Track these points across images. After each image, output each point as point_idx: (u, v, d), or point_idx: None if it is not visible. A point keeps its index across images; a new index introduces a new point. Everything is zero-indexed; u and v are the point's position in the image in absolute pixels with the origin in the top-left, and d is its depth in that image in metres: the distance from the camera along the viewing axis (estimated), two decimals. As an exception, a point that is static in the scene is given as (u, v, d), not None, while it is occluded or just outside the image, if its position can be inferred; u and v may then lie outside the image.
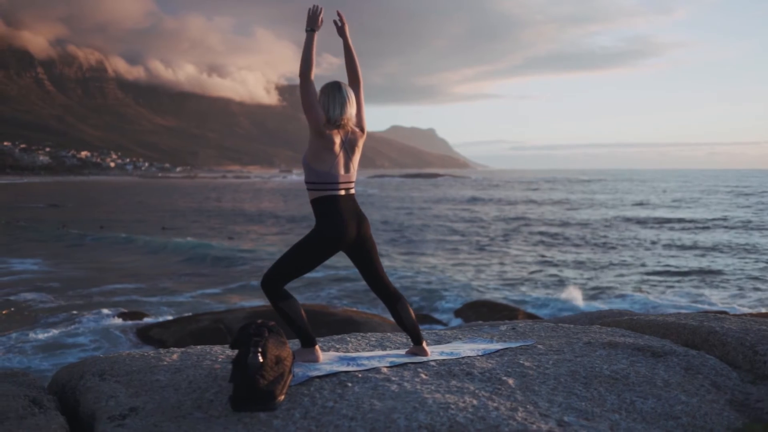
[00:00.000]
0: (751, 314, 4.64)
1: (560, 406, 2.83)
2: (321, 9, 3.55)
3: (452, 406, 2.74)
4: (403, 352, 3.79)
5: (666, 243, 33.00)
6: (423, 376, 3.22)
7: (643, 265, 26.34)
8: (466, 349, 3.87)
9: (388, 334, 4.46)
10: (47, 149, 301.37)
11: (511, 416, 2.66)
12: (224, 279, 23.73)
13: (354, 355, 3.67)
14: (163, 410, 2.87)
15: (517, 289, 21.75)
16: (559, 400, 2.91)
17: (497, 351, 3.82)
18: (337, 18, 3.68)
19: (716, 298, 19.88)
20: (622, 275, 24.22)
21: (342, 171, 3.46)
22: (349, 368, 3.33)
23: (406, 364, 3.46)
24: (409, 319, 3.62)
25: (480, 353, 3.74)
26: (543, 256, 29.30)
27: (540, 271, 25.28)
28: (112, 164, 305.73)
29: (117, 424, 2.75)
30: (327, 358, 3.55)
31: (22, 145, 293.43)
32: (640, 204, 63.57)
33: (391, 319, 16.28)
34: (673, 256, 28.43)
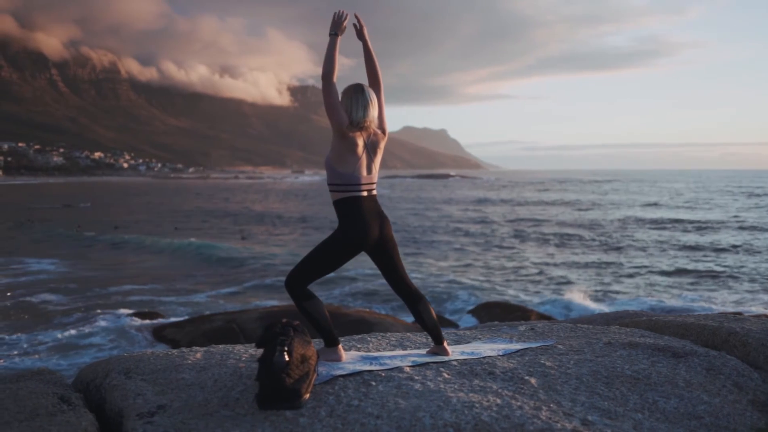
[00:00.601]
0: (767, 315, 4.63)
1: (583, 406, 2.85)
2: (346, 14, 3.59)
3: (476, 405, 2.77)
4: (424, 351, 3.82)
5: (677, 244, 32.86)
6: (445, 375, 3.25)
7: (654, 266, 26.24)
8: (487, 349, 3.89)
9: (408, 334, 4.49)
10: (61, 150, 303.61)
11: (535, 415, 2.68)
12: (237, 279, 23.84)
13: (376, 354, 3.70)
14: (190, 408, 2.91)
15: (529, 290, 21.74)
16: (582, 399, 2.93)
17: (518, 351, 3.84)
18: (355, 21, 3.72)
19: (729, 300, 19.78)
20: (634, 277, 24.15)
21: (365, 172, 3.50)
22: (372, 367, 3.36)
23: (428, 363, 3.49)
24: (431, 319, 3.64)
25: (501, 353, 3.76)
26: (554, 257, 29.25)
27: (551, 272, 25.24)
28: (125, 165, 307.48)
29: (146, 422, 2.80)
30: (350, 358, 3.59)
31: (36, 146, 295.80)
32: (652, 205, 63.32)
33: (404, 320, 16.30)
34: (685, 258, 28.32)
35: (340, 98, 3.51)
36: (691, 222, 44.31)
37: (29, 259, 27.72)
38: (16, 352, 14.10)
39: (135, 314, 17.51)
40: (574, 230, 40.45)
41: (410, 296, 3.64)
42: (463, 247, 32.83)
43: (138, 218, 51.63)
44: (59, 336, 15.42)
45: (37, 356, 13.99)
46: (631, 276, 24.22)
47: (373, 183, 3.55)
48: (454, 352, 3.79)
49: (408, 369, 3.35)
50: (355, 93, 3.51)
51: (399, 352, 3.82)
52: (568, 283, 22.99)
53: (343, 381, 3.17)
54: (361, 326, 13.48)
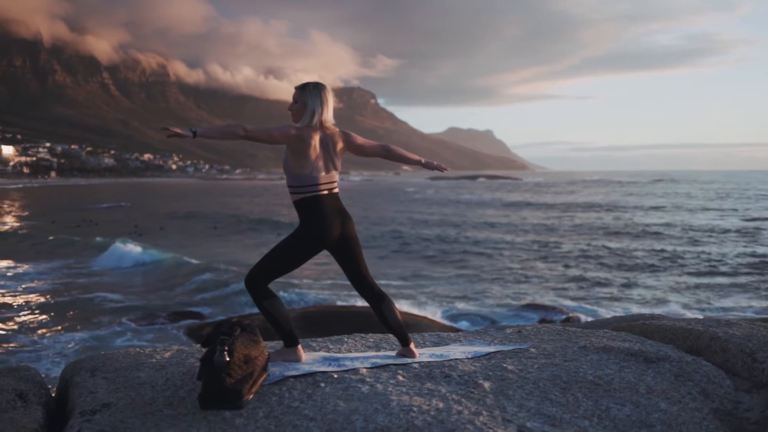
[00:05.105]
0: (763, 320, 4.43)
1: (529, 411, 2.75)
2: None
3: (415, 409, 2.69)
4: (394, 353, 3.75)
5: (724, 250, 32.03)
6: (400, 377, 3.18)
7: (699, 271, 25.63)
8: (458, 351, 3.80)
9: (389, 335, 4.42)
10: (112, 152, 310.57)
11: (470, 420, 2.59)
12: (283, 282, 23.80)
13: (339, 355, 3.64)
14: (134, 406, 2.90)
15: (567, 294, 21.42)
16: (530, 405, 2.83)
17: (488, 354, 3.74)
18: (440, 167, 3.82)
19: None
20: (672, 281, 23.61)
21: (323, 172, 3.46)
22: (329, 368, 3.30)
23: (388, 365, 3.42)
24: (394, 319, 3.57)
25: (470, 356, 3.67)
26: (595, 259, 28.77)
27: (593, 276, 24.84)
28: (174, 166, 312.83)
29: (86, 419, 2.79)
30: (310, 358, 3.54)
31: (89, 148, 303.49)
32: (702, 208, 61.79)
33: (442, 321, 16.22)
34: (731, 264, 27.55)
35: (294, 98, 3.52)
36: (738, 229, 43.16)
37: (90, 259, 28.38)
38: (50, 351, 14.43)
39: (174, 314, 17.74)
40: (619, 233, 39.79)
41: (373, 296, 3.58)
42: (498, 251, 32.53)
43: (178, 220, 52.58)
44: (100, 334, 15.75)
45: (76, 353, 14.28)
46: (671, 280, 23.69)
47: (333, 182, 3.51)
48: (423, 354, 3.71)
49: (364, 371, 3.28)
50: (318, 90, 3.49)
51: (368, 353, 3.75)
52: (607, 286, 22.63)
53: (292, 382, 3.12)
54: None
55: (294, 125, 3.45)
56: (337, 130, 3.55)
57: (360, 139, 3.68)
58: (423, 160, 3.81)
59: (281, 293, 19.95)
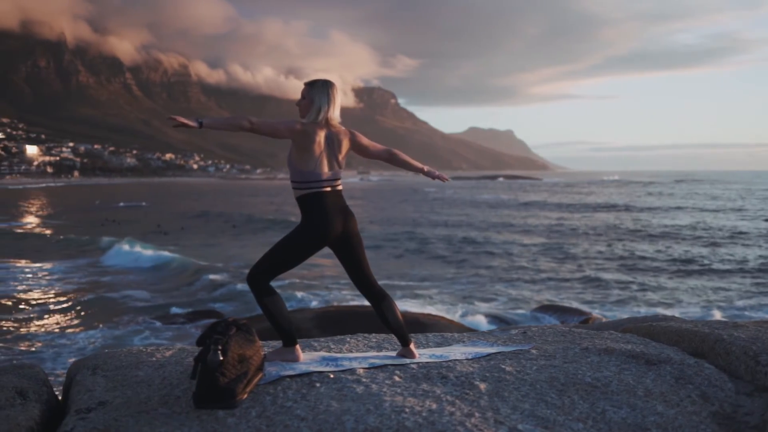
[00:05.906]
0: (771, 322, 4.35)
1: (522, 413, 2.72)
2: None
3: (407, 410, 2.68)
4: (394, 353, 3.73)
5: (746, 251, 31.63)
6: (396, 378, 3.16)
7: (719, 271, 25.33)
8: (458, 352, 3.78)
9: (393, 336, 4.40)
10: (134, 152, 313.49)
11: (461, 422, 2.57)
12: (298, 283, 23.90)
13: (337, 355, 3.63)
14: (129, 405, 2.91)
15: (584, 295, 21.28)
16: (525, 407, 2.80)
17: (488, 355, 3.71)
18: (441, 177, 3.89)
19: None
20: (692, 282, 23.35)
21: (326, 169, 3.46)
22: (326, 368, 3.29)
23: (386, 366, 3.40)
24: (395, 319, 3.56)
25: (470, 356, 3.65)
26: (613, 260, 28.55)
27: (611, 278, 24.64)
28: (195, 166, 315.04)
29: (80, 417, 2.81)
30: (308, 358, 3.53)
31: (111, 148, 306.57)
32: (724, 209, 61.05)
33: (459, 321, 16.16)
34: (752, 265, 27.21)
35: (302, 94, 3.53)
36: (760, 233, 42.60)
37: (108, 258, 28.64)
38: (68, 350, 14.56)
39: (194, 313, 17.83)
40: (644, 235, 39.44)
41: (374, 294, 3.58)
42: (519, 251, 32.39)
43: (199, 219, 52.93)
44: (118, 333, 15.87)
45: (92, 351, 14.40)
46: (696, 282, 23.44)
47: (336, 179, 3.51)
48: (423, 354, 3.69)
49: (361, 371, 3.27)
50: (325, 88, 3.49)
51: (368, 353, 3.74)
52: (627, 285, 22.44)
53: (288, 382, 3.11)
54: (414, 328, 13.40)
55: (300, 120, 3.47)
56: (343, 128, 3.56)
57: (365, 140, 3.68)
58: (425, 168, 3.84)
59: (298, 293, 20.04)
